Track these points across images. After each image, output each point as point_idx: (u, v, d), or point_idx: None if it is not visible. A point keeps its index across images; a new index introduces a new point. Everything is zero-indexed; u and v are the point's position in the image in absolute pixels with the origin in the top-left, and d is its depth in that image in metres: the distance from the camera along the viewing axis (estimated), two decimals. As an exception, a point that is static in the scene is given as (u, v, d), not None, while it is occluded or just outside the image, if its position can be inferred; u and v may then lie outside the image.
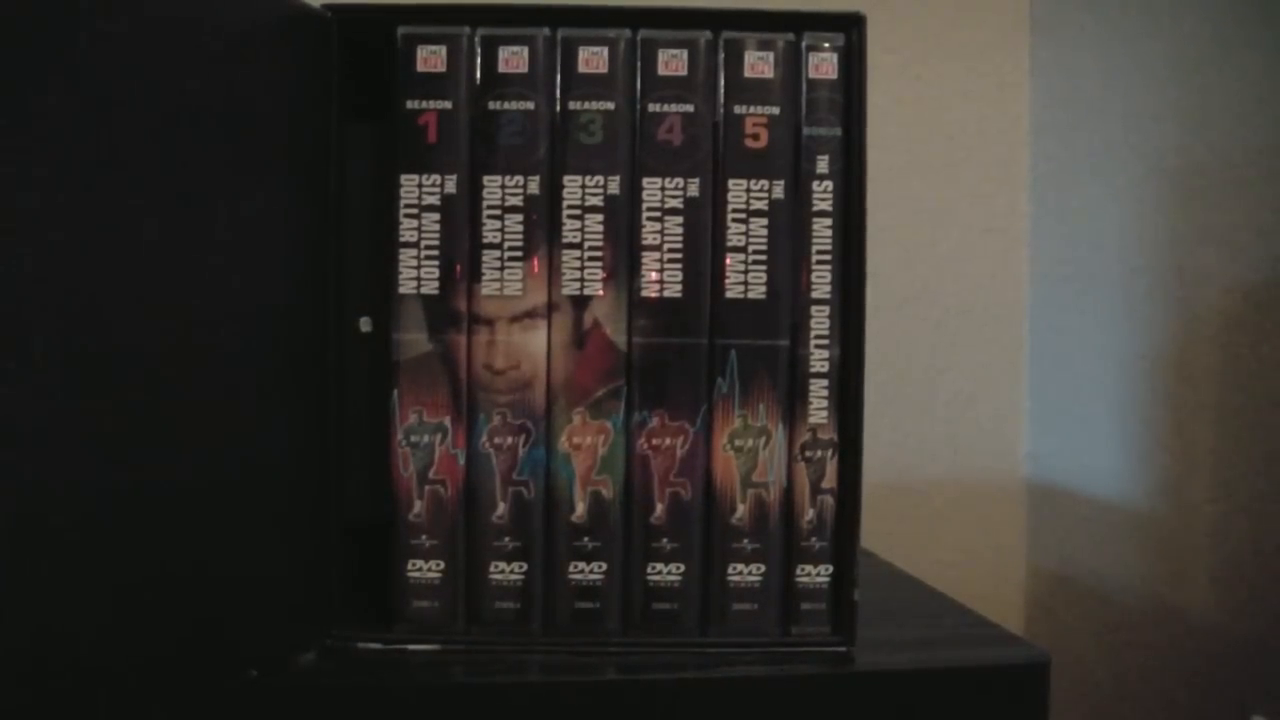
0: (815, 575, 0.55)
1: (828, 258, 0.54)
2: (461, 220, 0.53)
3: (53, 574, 0.40)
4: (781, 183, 0.53)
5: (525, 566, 0.54)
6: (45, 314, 0.39)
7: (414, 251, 0.53)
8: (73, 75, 0.39)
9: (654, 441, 0.53)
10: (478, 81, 0.53)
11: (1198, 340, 0.94)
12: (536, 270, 0.53)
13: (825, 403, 0.54)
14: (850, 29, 0.54)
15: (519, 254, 0.53)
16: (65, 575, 0.40)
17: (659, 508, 0.53)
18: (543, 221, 0.53)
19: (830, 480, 0.54)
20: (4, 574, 0.38)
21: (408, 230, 0.53)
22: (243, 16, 0.48)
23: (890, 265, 1.16)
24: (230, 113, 0.47)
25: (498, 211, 0.53)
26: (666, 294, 0.53)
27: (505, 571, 0.54)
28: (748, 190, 0.53)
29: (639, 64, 0.53)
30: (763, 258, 0.53)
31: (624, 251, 0.53)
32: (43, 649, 0.40)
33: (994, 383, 1.19)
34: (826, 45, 0.53)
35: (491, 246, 0.53)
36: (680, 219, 0.53)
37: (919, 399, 1.17)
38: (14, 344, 0.38)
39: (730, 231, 0.53)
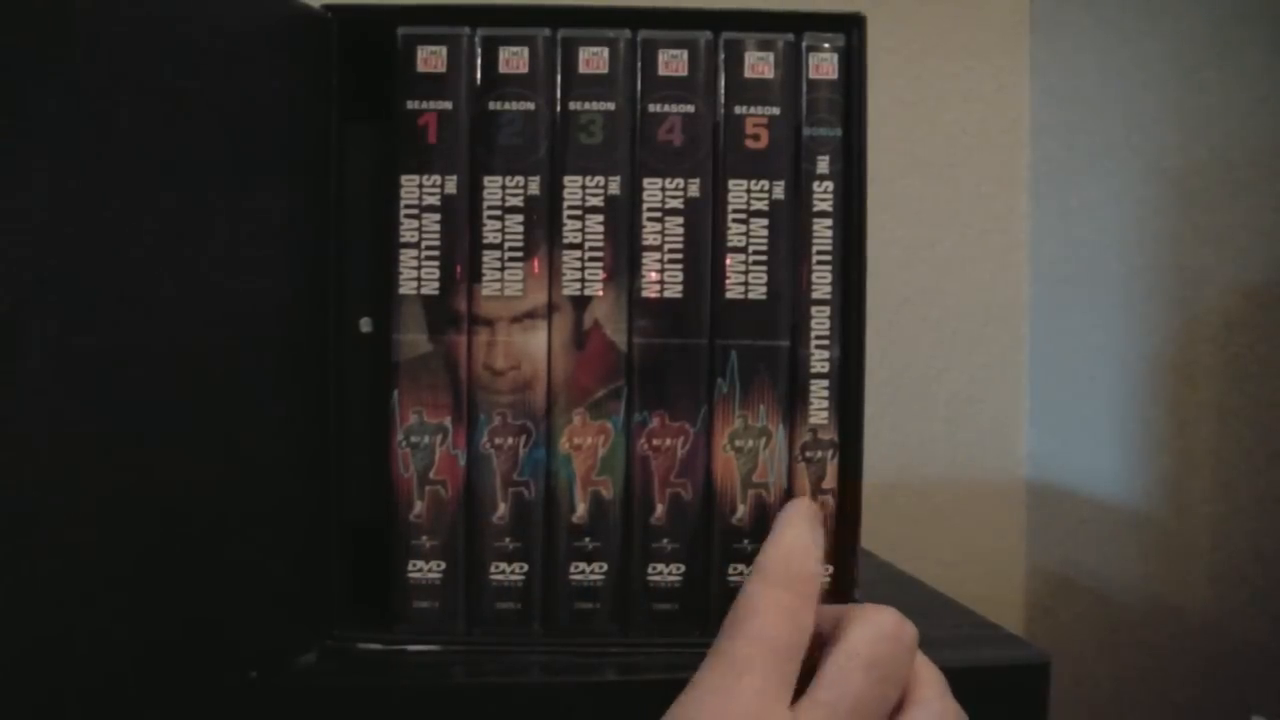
0: (815, 575, 0.54)
1: (828, 258, 0.54)
2: (462, 221, 0.53)
3: (50, 574, 0.40)
4: (782, 183, 0.53)
5: (526, 567, 0.54)
6: (42, 314, 0.39)
7: (414, 252, 0.53)
8: (70, 75, 0.39)
9: (654, 442, 0.53)
10: (478, 82, 0.53)
11: (1198, 340, 0.94)
12: (537, 271, 0.53)
13: (826, 403, 0.54)
14: (850, 29, 0.54)
15: (519, 254, 0.53)
16: (63, 575, 0.40)
17: (659, 508, 0.53)
18: (543, 222, 0.53)
19: (831, 481, 0.54)
20: (1, 574, 0.38)
21: (408, 231, 0.53)
22: (242, 17, 0.48)
23: (890, 265, 1.16)
24: (229, 113, 0.48)
25: (498, 212, 0.53)
26: (667, 294, 0.53)
27: (506, 572, 0.54)
28: (748, 191, 0.53)
29: (639, 64, 0.53)
30: (763, 258, 0.53)
31: (624, 252, 0.53)
32: (40, 650, 0.40)
33: (994, 383, 1.20)
34: (827, 45, 0.53)
35: (492, 247, 0.53)
36: (681, 219, 0.53)
37: (919, 399, 1.17)
38: (10, 344, 0.38)
39: (731, 232, 0.53)
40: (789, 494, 0.54)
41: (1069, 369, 1.13)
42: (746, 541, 0.54)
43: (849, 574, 0.55)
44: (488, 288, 0.53)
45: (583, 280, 0.53)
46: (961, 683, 0.55)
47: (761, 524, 0.54)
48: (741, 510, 0.54)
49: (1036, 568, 1.17)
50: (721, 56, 0.53)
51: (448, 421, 0.53)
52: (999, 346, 1.19)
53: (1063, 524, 1.13)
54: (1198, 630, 0.92)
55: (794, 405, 0.54)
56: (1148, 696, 0.98)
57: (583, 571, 0.54)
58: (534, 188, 0.53)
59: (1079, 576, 1.10)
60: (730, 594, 0.54)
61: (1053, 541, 1.15)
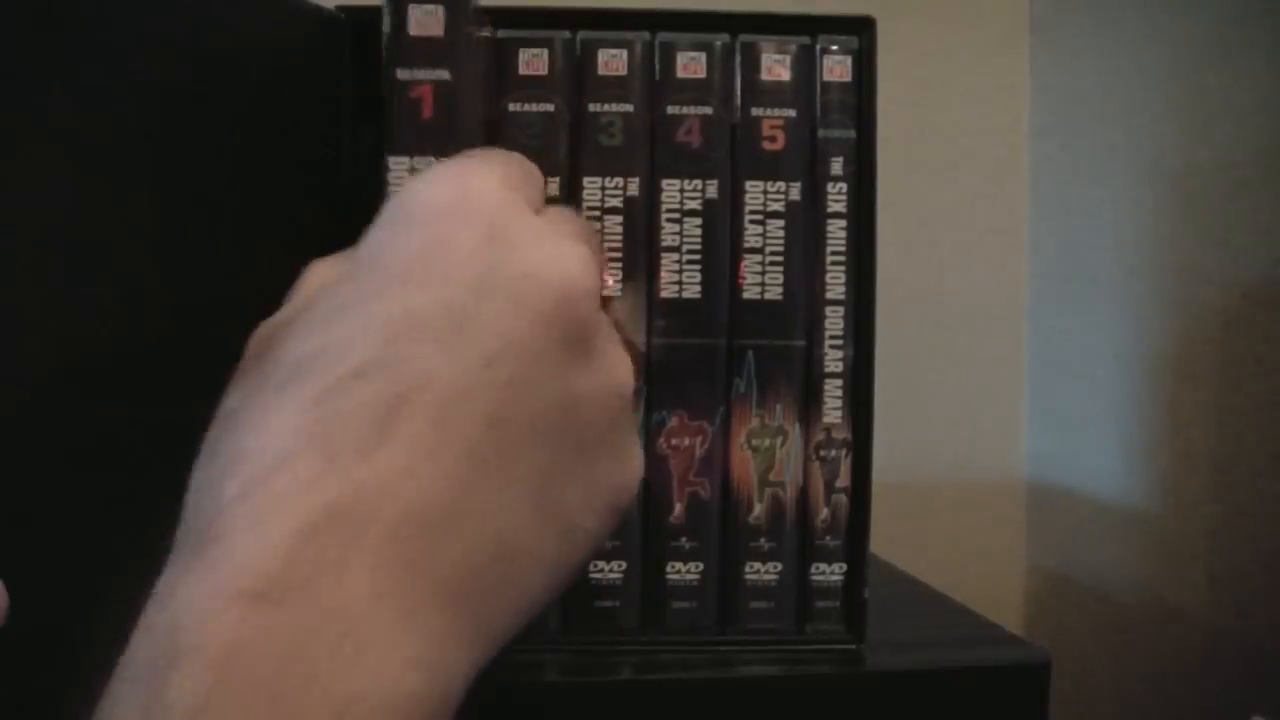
0: (829, 573, 0.55)
1: (842, 258, 0.54)
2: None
3: (52, 576, 0.40)
4: (798, 184, 0.53)
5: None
6: (41, 316, 0.39)
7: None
8: (79, 75, 0.39)
9: (673, 441, 0.53)
10: (496, 84, 0.53)
11: (1197, 340, 0.94)
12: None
13: (840, 402, 0.54)
14: (861, 31, 0.54)
15: (537, 255, 0.53)
16: (65, 578, 0.40)
17: (678, 507, 0.54)
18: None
19: (844, 479, 0.54)
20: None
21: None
22: (253, 17, 0.48)
23: (890, 265, 1.16)
24: (240, 114, 0.48)
25: (516, 212, 0.53)
26: (685, 295, 0.53)
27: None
28: (765, 192, 0.53)
29: (657, 67, 0.53)
30: (779, 259, 0.53)
31: (643, 252, 0.53)
32: (43, 649, 0.40)
33: (994, 383, 1.20)
34: (840, 48, 0.54)
35: (509, 247, 0.53)
36: (699, 220, 0.53)
37: (919, 399, 1.17)
38: (8, 345, 0.38)
39: (748, 233, 0.53)
40: (805, 493, 0.54)
41: (1069, 369, 1.13)
42: (764, 540, 0.54)
43: (860, 572, 0.55)
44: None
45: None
46: (962, 683, 0.55)
47: (779, 523, 0.54)
48: (759, 509, 0.54)
49: (1036, 568, 1.18)
50: (738, 59, 0.53)
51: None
52: (999, 346, 1.20)
53: (1063, 524, 1.14)
54: (1198, 630, 0.93)
55: (809, 404, 0.54)
56: (1148, 696, 0.99)
57: (601, 570, 0.54)
58: (553, 189, 0.53)
59: (1079, 576, 1.10)
60: (748, 592, 0.54)
61: (1053, 541, 1.15)
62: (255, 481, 0.28)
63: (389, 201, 0.35)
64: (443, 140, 0.49)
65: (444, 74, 0.50)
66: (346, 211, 0.54)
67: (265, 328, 0.34)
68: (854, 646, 0.55)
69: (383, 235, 0.34)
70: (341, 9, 0.54)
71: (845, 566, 0.55)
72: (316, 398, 0.29)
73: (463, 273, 0.32)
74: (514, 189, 0.36)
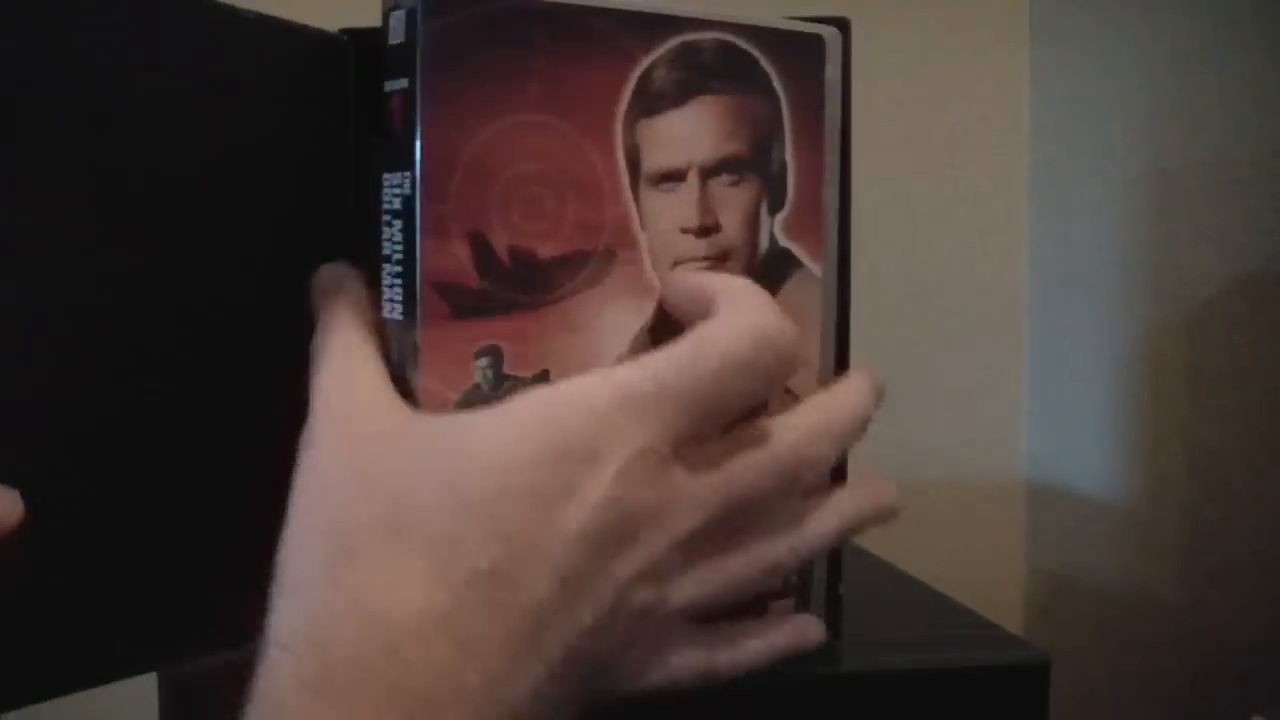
0: (806, 570, 0.55)
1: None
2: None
3: (56, 573, 0.40)
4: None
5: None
6: (45, 327, 0.39)
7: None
8: (78, 100, 0.40)
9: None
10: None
11: (1197, 340, 0.94)
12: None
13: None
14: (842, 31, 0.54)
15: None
16: (72, 575, 0.41)
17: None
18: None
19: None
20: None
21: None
22: (257, 42, 0.48)
23: (890, 265, 1.17)
24: (242, 137, 0.47)
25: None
26: None
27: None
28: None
29: None
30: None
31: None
32: (47, 643, 0.40)
33: (994, 383, 1.20)
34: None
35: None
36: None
37: (919, 399, 1.17)
38: (10, 347, 0.38)
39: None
40: None
41: (1069, 369, 1.13)
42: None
43: (837, 569, 0.55)
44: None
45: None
46: (961, 683, 0.55)
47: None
48: None
49: (1036, 568, 1.18)
50: None
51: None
52: (999, 346, 1.20)
53: (1063, 524, 1.13)
54: (1198, 630, 0.92)
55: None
56: (1148, 696, 0.98)
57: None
58: None
59: (1079, 576, 1.10)
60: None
61: (1053, 541, 1.15)
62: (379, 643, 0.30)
63: (525, 405, 0.32)
64: None
65: None
66: (350, 234, 0.54)
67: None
68: (829, 643, 0.55)
69: (505, 452, 0.31)
70: (345, 32, 0.54)
71: (822, 562, 0.55)
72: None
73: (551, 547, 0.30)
74: (669, 437, 0.31)
